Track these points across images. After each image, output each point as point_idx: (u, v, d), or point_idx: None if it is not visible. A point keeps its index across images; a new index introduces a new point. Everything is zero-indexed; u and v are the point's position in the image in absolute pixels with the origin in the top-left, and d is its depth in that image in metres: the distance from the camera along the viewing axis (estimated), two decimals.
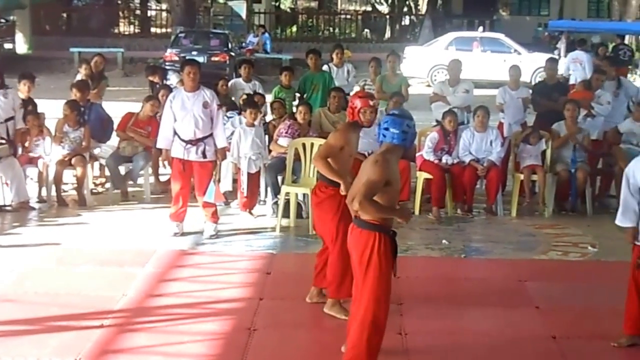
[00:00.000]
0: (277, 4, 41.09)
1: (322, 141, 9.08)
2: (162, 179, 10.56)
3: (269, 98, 11.40)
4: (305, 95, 11.48)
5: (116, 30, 35.05)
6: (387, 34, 37.86)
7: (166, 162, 9.22)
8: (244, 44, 28.17)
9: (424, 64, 24.13)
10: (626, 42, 25.10)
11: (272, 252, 8.34)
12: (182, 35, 24.49)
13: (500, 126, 10.83)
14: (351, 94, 11.10)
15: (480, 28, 29.24)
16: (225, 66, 22.27)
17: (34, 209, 9.70)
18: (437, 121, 10.56)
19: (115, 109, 11.63)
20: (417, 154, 10.07)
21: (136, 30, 35.65)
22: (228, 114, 9.90)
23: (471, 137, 9.95)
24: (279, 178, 9.50)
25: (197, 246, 8.49)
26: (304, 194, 9.26)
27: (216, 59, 22.67)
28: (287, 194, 9.18)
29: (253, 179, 9.60)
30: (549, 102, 10.80)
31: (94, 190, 10.54)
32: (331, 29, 37.28)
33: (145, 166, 10.17)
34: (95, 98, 11.07)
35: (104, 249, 8.30)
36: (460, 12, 39.18)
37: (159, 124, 9.09)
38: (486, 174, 9.86)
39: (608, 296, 6.90)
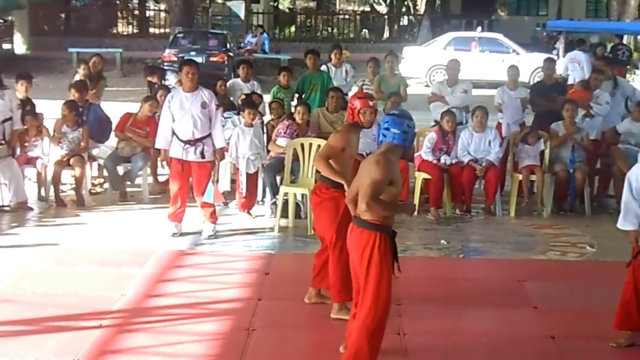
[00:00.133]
0: (275, 4, 41.10)
1: (320, 141, 9.11)
2: (161, 179, 10.56)
3: (268, 98, 11.40)
4: (304, 96, 11.48)
5: (114, 31, 35.03)
6: (386, 34, 37.88)
7: (164, 163, 9.21)
8: (242, 44, 28.18)
9: (422, 64, 24.14)
10: (625, 42, 25.12)
11: (271, 253, 8.34)
12: (181, 35, 24.47)
13: (499, 126, 10.83)
14: (349, 94, 11.16)
15: (479, 28, 29.25)
16: (223, 66, 22.25)
17: (32, 209, 9.70)
18: (435, 121, 10.57)
19: (114, 109, 11.64)
20: (416, 154, 10.06)
21: (134, 31, 35.65)
22: (225, 114, 9.89)
23: (470, 137, 9.95)
24: (278, 178, 9.50)
25: (196, 246, 8.48)
26: (302, 194, 9.26)
27: (214, 59, 22.65)
28: (286, 194, 9.18)
29: (251, 179, 9.60)
30: (547, 102, 10.81)
31: (92, 191, 10.54)
32: (330, 29, 37.30)
33: (144, 167, 10.16)
34: (93, 98, 11.07)
35: (103, 249, 8.29)
36: (458, 12, 39.20)
37: (158, 125, 9.08)
38: (485, 174, 9.86)
39: (606, 296, 6.88)
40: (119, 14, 36.73)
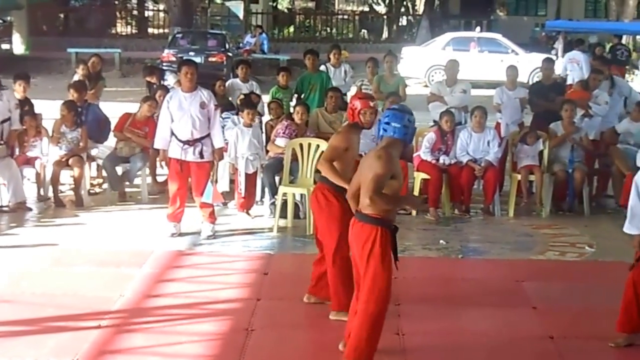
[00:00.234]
0: (274, 4, 41.08)
1: (319, 141, 9.12)
2: (160, 179, 10.55)
3: (267, 98, 11.40)
4: (302, 96, 11.48)
5: (113, 31, 35.01)
6: (385, 34, 37.88)
7: (163, 163, 9.21)
8: (241, 45, 28.18)
9: (421, 64, 24.14)
10: (623, 42, 25.12)
11: (270, 253, 8.34)
12: (180, 35, 24.47)
13: (498, 126, 10.83)
14: (348, 94, 11.17)
15: (478, 28, 29.24)
16: (222, 67, 22.24)
17: (31, 209, 9.69)
18: (434, 121, 10.57)
19: (113, 110, 11.62)
20: (415, 154, 10.07)
21: (133, 31, 35.64)
22: (223, 114, 9.88)
23: (468, 137, 9.96)
24: (277, 178, 9.49)
25: (195, 247, 8.48)
26: (301, 195, 9.26)
27: (213, 59, 22.64)
28: (285, 194, 9.18)
29: (250, 179, 9.59)
30: (545, 103, 10.81)
31: (91, 191, 10.53)
32: (328, 29, 37.30)
33: (143, 167, 10.16)
34: (92, 99, 11.07)
35: (102, 249, 8.29)
36: (457, 12, 39.20)
37: (157, 125, 9.08)
38: (483, 174, 9.86)
39: (605, 296, 6.89)
40: (117, 14, 36.70)
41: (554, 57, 15.38)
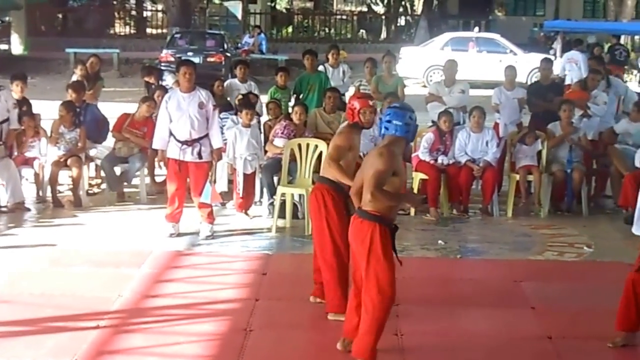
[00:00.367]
0: (272, 4, 41.08)
1: (318, 141, 9.12)
2: (158, 179, 10.55)
3: (265, 99, 11.39)
4: (301, 96, 11.48)
5: (112, 31, 35.01)
6: (383, 35, 37.89)
7: (162, 163, 9.21)
8: (239, 45, 28.18)
9: (419, 64, 24.16)
10: (622, 42, 25.14)
11: (268, 253, 8.34)
12: (178, 35, 24.48)
13: (496, 126, 10.83)
14: (347, 94, 11.15)
15: (476, 28, 29.25)
16: (220, 67, 22.26)
17: (29, 209, 9.69)
18: (432, 122, 10.56)
19: (111, 110, 11.63)
20: (413, 155, 10.07)
21: (132, 31, 35.64)
22: (221, 115, 9.88)
23: (467, 137, 9.96)
24: (275, 179, 9.50)
25: (193, 247, 8.48)
26: (299, 195, 9.26)
27: (212, 59, 22.66)
28: (283, 194, 9.18)
29: (249, 179, 9.59)
30: (544, 103, 10.81)
31: (89, 191, 10.52)
32: (327, 29, 37.31)
33: (141, 167, 10.15)
34: (91, 99, 11.06)
35: (100, 249, 8.29)
36: (456, 12, 39.23)
37: (155, 125, 9.08)
38: (482, 175, 9.87)
39: (604, 296, 6.89)
40: (116, 14, 36.72)
41: (552, 57, 15.33)
